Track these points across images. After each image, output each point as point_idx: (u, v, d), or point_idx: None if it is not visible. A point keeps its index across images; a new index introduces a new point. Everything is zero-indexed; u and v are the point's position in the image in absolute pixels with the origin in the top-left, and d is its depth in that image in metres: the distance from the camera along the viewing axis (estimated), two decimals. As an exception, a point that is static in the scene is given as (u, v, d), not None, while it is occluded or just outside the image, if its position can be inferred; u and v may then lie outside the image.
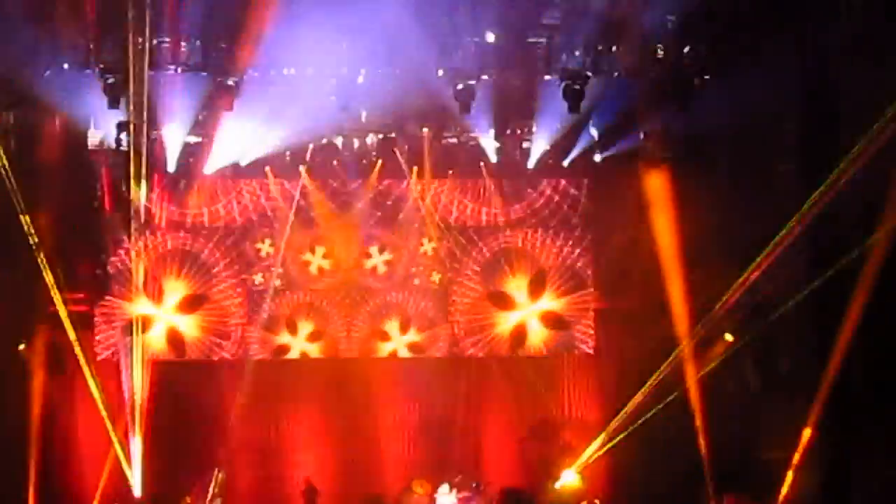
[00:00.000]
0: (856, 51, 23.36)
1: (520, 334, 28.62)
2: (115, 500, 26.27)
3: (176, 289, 28.11)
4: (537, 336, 28.57)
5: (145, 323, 27.67)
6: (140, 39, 24.36)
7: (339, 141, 27.90)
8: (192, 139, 27.42)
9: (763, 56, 25.06)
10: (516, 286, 28.64)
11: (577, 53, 25.60)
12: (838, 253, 23.43)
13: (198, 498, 25.87)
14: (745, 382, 26.59)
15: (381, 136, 27.99)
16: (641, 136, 27.00)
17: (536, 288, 28.73)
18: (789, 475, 24.73)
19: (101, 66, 24.77)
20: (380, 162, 28.15)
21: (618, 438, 26.84)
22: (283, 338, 28.28)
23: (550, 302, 28.71)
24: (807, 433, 24.46)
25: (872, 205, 22.53)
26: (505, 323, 28.61)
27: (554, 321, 28.66)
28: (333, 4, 24.17)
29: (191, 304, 28.30)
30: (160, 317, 27.94)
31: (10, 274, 25.44)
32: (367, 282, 28.50)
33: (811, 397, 24.13)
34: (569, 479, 27.19)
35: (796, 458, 24.67)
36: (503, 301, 28.73)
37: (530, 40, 25.76)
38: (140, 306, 27.67)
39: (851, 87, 23.89)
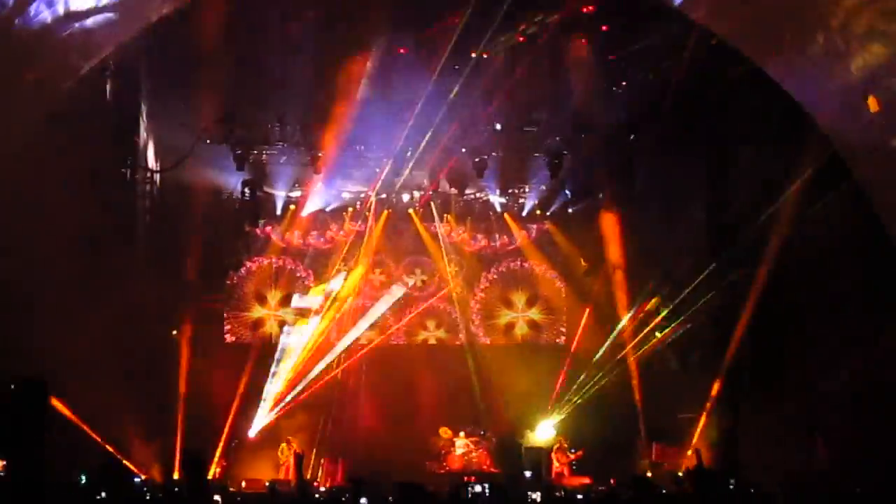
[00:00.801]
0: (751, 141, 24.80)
1: (513, 329, 30.51)
2: (236, 437, 27.75)
3: (276, 294, 29.77)
4: (523, 330, 30.50)
5: (259, 320, 29.76)
6: (259, 125, 27.15)
7: (392, 195, 29.81)
8: (293, 193, 29.23)
9: (681, 144, 26.13)
10: (515, 297, 30.50)
11: (557, 139, 27.79)
12: (733, 273, 25.10)
13: (293, 441, 27.01)
14: (669, 365, 27.51)
15: (421, 192, 29.93)
16: (601, 195, 28.64)
17: (529, 301, 30.47)
18: (698, 429, 25.82)
19: (232, 142, 26.79)
20: (421, 211, 30.01)
21: (578, 401, 28.19)
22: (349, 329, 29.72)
23: (536, 311, 30.51)
24: (710, 400, 25.75)
25: (758, 240, 24.00)
26: (504, 320, 30.52)
27: (536, 323, 30.52)
28: (391, 103, 26.62)
29: (282, 301, 29.81)
30: (269, 313, 29.71)
31: (169, 282, 26.26)
32: (409, 292, 30.22)
33: (714, 375, 25.51)
34: (546, 428, 28.50)
35: (703, 416, 25.79)
36: (506, 305, 30.53)
37: (525, 129, 27.93)
38: (255, 306, 29.71)
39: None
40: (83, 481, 19.43)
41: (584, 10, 25.06)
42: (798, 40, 21.53)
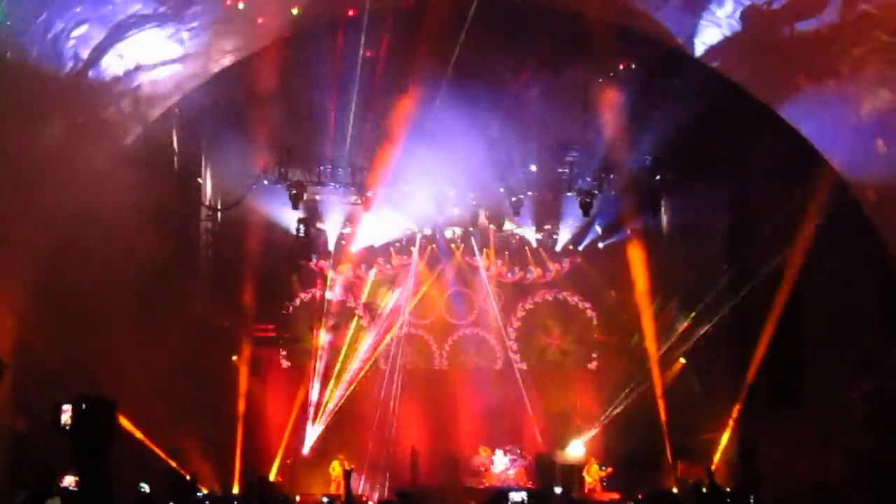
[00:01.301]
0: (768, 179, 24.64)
1: (547, 355, 30.59)
2: (290, 455, 27.99)
3: (327, 323, 29.67)
4: (556, 356, 30.59)
5: (311, 346, 29.57)
6: (311, 166, 27.28)
7: (435, 231, 30.00)
8: (344, 230, 29.42)
9: (703, 181, 26.06)
10: (549, 325, 30.64)
11: (588, 179, 27.82)
12: (750, 306, 24.96)
13: (343, 458, 27.04)
14: (691, 387, 27.37)
15: (462, 229, 30.11)
16: (628, 231, 28.43)
17: (562, 329, 30.53)
18: (719, 447, 25.63)
19: (288, 183, 26.94)
20: (462, 246, 30.22)
21: (607, 422, 28.46)
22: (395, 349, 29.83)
23: (569, 338, 30.59)
24: (730, 420, 25.47)
25: (777, 268, 24.03)
26: (539, 346, 30.57)
27: (568, 349, 30.55)
28: (434, 145, 26.63)
29: (333, 328, 29.89)
30: (321, 341, 29.57)
31: (229, 312, 26.92)
32: (451, 320, 30.46)
33: (734, 396, 25.20)
34: (577, 447, 28.68)
35: (724, 435, 25.56)
36: (541, 332, 30.66)
37: (559, 170, 27.95)
38: (308, 334, 29.76)
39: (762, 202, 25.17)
40: (145, 489, 19.68)
41: (615, 61, 25.24)
42: (812, 86, 21.52)
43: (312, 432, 28.62)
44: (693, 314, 26.82)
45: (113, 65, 20.77)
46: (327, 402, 28.97)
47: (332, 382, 29.25)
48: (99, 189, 20.94)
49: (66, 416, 10.08)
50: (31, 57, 18.13)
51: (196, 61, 23.31)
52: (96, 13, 19.01)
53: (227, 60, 24.02)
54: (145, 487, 20.96)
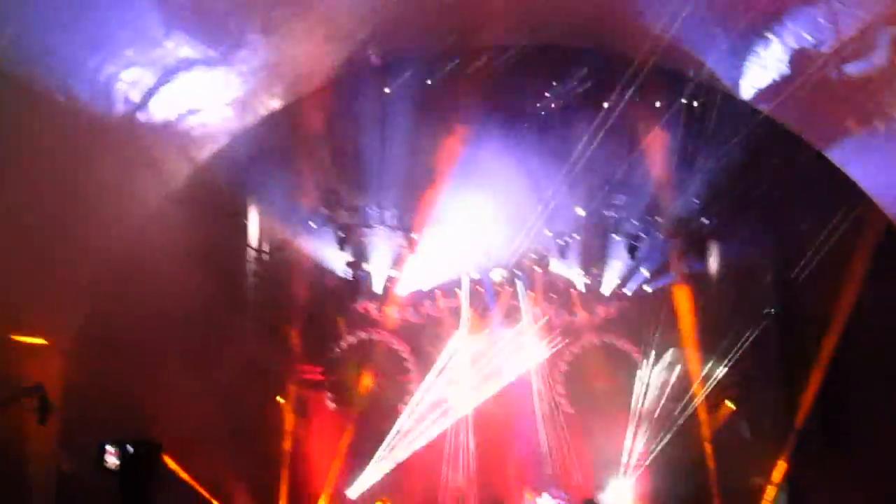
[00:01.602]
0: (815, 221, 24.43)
1: (593, 398, 29.32)
2: (336, 497, 27.79)
3: (374, 365, 29.30)
4: (603, 398, 29.19)
5: (358, 388, 29.16)
6: (358, 209, 27.30)
7: (482, 275, 29.59)
8: (391, 272, 29.12)
9: (752, 225, 26.33)
10: (595, 368, 29.90)
11: (634, 222, 27.70)
12: (799, 349, 25.12)
13: (387, 501, 27.26)
14: (740, 433, 26.97)
15: (508, 272, 29.58)
16: (675, 275, 28.24)
17: (609, 371, 29.51)
18: (768, 493, 25.52)
19: (335, 225, 27.14)
20: (508, 289, 29.69)
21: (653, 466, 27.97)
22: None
23: (615, 381, 29.43)
24: (780, 467, 25.41)
25: (822, 318, 24.34)
26: (585, 389, 29.60)
27: (615, 392, 29.16)
28: (480, 189, 26.58)
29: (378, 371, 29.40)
30: (365, 383, 29.18)
31: (275, 353, 26.68)
32: (498, 363, 29.39)
33: (783, 442, 25.22)
34: (622, 490, 28.21)
35: (773, 481, 25.44)
36: (587, 375, 29.77)
37: (605, 213, 27.83)
38: (354, 376, 29.31)
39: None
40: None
41: (663, 103, 25.22)
42: (860, 128, 21.43)
43: (357, 475, 28.39)
44: (741, 357, 26.47)
45: (162, 107, 21.06)
46: (373, 445, 28.63)
47: (377, 425, 28.91)
48: (147, 229, 21.25)
49: (111, 457, 10.11)
50: (82, 99, 18.40)
51: (245, 104, 23.64)
52: (146, 56, 19.33)
53: (275, 103, 24.31)
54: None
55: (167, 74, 20.18)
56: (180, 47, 19.87)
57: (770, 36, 21.91)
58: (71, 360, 21.92)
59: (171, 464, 20.79)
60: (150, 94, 20.21)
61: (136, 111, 20.37)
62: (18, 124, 16.87)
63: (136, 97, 19.96)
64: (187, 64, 20.42)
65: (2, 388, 19.40)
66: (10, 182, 17.33)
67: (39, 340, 21.00)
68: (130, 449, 11.21)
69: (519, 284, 29.83)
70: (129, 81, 19.36)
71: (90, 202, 19.93)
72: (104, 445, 9.17)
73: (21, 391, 19.18)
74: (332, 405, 29.48)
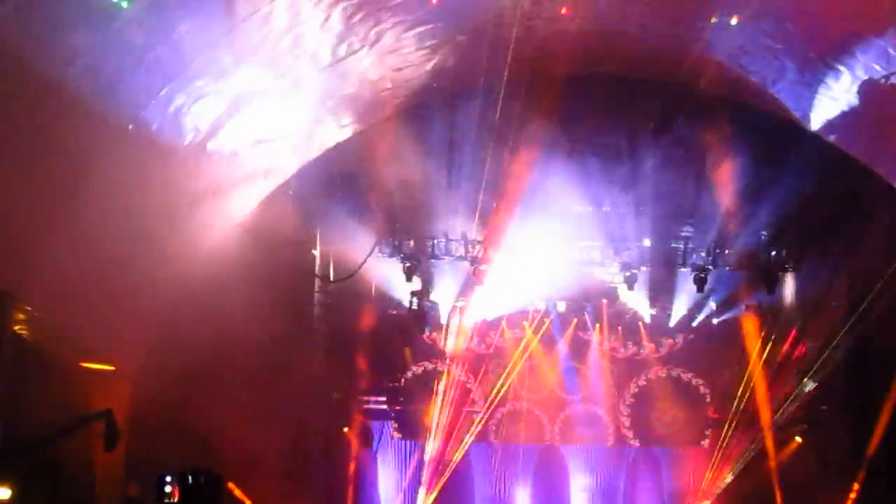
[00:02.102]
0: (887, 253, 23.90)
1: (660, 432, 29.38)
2: None
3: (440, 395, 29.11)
4: (670, 433, 29.26)
5: (423, 419, 29.24)
6: (425, 239, 27.33)
7: (549, 306, 29.38)
8: (458, 303, 29.01)
9: (822, 257, 26.22)
10: (662, 402, 29.54)
11: (702, 254, 27.26)
12: (870, 384, 24.70)
13: None
14: (809, 467, 26.44)
15: (575, 304, 29.34)
16: (744, 307, 28.03)
17: (676, 405, 29.25)
18: None
19: (402, 255, 26.94)
20: (575, 320, 29.48)
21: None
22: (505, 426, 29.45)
23: (682, 415, 29.30)
24: (849, 502, 24.79)
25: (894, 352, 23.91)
26: (652, 424, 29.48)
27: (682, 426, 29.26)
28: (547, 220, 26.72)
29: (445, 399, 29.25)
30: (431, 414, 29.11)
31: (341, 383, 27.35)
32: (563, 395, 29.59)
33: (852, 478, 24.69)
34: None
35: None
36: (654, 409, 29.51)
37: (672, 245, 27.50)
38: (420, 407, 29.31)
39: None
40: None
41: (730, 134, 25.06)
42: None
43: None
44: (810, 391, 26.28)
45: (232, 137, 21.25)
46: (439, 476, 28.67)
47: (443, 456, 28.91)
48: (214, 258, 21.36)
49: (170, 488, 10.15)
50: (151, 128, 18.58)
51: (313, 133, 23.75)
52: (216, 87, 19.50)
53: (343, 133, 24.42)
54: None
55: (236, 104, 20.35)
56: (250, 77, 20.05)
57: (840, 67, 21.74)
58: (138, 387, 22.13)
59: (236, 492, 20.85)
60: (219, 124, 20.38)
61: (206, 141, 20.56)
62: (88, 153, 17.05)
63: (205, 127, 20.14)
64: (257, 94, 20.59)
65: (70, 413, 19.68)
66: (80, 211, 17.50)
67: (107, 367, 21.23)
68: (191, 480, 11.18)
69: (586, 316, 29.68)
70: (198, 111, 19.53)
71: (158, 231, 20.12)
72: (164, 477, 9.16)
73: (89, 417, 19.37)
74: (397, 435, 29.55)
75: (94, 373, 21.22)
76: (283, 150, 23.66)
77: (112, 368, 21.36)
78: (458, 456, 29.04)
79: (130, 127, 17.99)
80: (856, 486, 24.83)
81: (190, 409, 20.90)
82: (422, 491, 28.49)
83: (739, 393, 28.36)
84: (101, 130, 16.95)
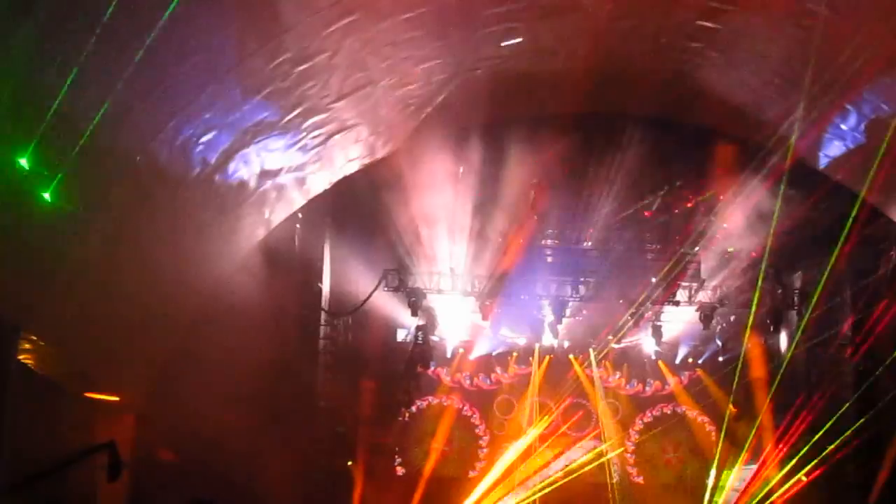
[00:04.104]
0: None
1: (665, 469, 29.70)
2: None
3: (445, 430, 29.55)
4: (675, 470, 29.65)
5: (427, 454, 29.44)
6: (431, 274, 27.28)
7: (553, 342, 29.52)
8: (462, 338, 29.37)
9: (829, 296, 25.62)
10: (668, 439, 30.00)
11: (708, 292, 27.40)
12: (877, 427, 24.81)
13: None
14: None
15: (581, 341, 29.60)
16: (749, 346, 27.18)
17: (681, 443, 29.82)
18: None
19: (407, 290, 26.97)
20: (580, 357, 29.73)
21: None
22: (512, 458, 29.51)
23: (687, 453, 29.77)
24: None
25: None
26: (656, 461, 29.84)
27: (687, 464, 29.64)
28: (553, 257, 26.79)
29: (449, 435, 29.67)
30: (435, 449, 29.46)
31: (345, 417, 27.26)
32: (569, 433, 29.72)
33: None
34: None
35: None
36: (659, 446, 29.88)
37: (680, 283, 27.09)
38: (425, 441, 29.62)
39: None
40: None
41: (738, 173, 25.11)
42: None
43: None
44: (818, 434, 25.67)
45: (239, 170, 21.30)
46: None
47: (447, 490, 28.91)
48: (221, 291, 21.38)
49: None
50: (160, 161, 18.63)
51: (321, 167, 23.84)
52: (224, 120, 19.54)
53: (351, 167, 24.50)
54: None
55: (244, 137, 20.39)
56: (258, 111, 20.12)
57: (848, 106, 21.79)
58: (143, 419, 22.12)
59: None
60: (226, 156, 20.41)
61: (214, 173, 20.58)
62: (96, 185, 17.09)
63: (213, 159, 20.16)
64: (264, 127, 20.65)
65: (74, 445, 19.62)
66: (88, 243, 17.55)
67: (111, 398, 21.22)
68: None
69: (591, 353, 29.70)
70: (206, 143, 19.55)
71: (166, 262, 20.15)
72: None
73: (92, 448, 19.30)
74: (401, 470, 29.51)
75: (99, 403, 21.21)
76: (291, 182, 23.69)
77: (117, 399, 21.34)
78: (462, 491, 28.94)
79: (139, 158, 18.01)
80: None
81: (195, 441, 20.89)
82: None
83: (745, 431, 28.14)
84: (109, 161, 16.96)
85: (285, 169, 22.81)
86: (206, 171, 20.32)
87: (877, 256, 24.23)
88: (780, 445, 26.79)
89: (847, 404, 25.39)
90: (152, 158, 18.47)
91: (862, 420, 24.82)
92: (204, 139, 19.50)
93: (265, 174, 22.39)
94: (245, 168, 21.45)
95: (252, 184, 22.11)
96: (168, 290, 20.54)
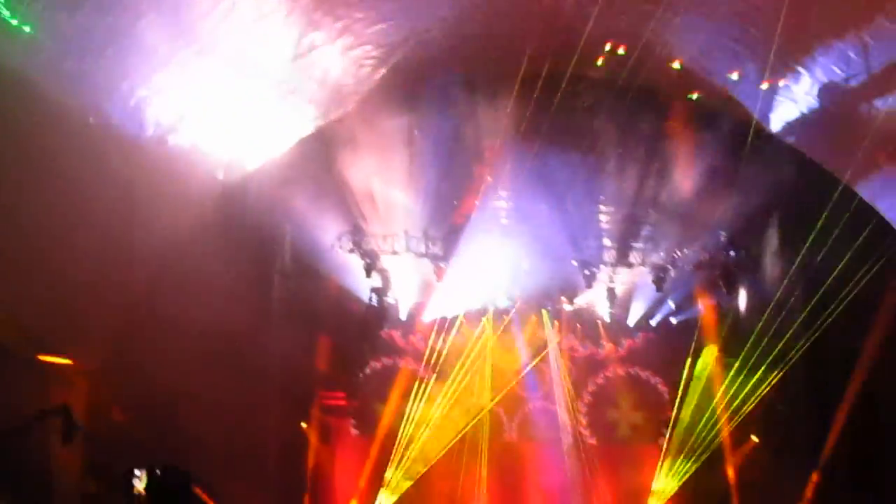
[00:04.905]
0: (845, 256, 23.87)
1: (618, 430, 29.67)
2: None
3: (398, 392, 28.99)
4: (627, 431, 29.65)
5: (381, 415, 28.95)
6: (385, 236, 27.18)
7: (507, 303, 29.32)
8: (417, 300, 29.03)
9: (781, 259, 26.40)
10: (620, 400, 29.90)
11: (661, 255, 27.43)
12: (827, 386, 24.91)
13: None
14: (765, 468, 26.39)
15: (535, 302, 29.40)
16: (702, 307, 27.95)
17: (633, 404, 29.77)
18: None
19: (362, 251, 26.74)
20: (534, 318, 29.62)
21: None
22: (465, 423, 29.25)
23: (640, 413, 29.78)
24: (805, 499, 24.88)
25: (851, 355, 24.05)
26: (609, 421, 29.78)
27: (639, 424, 29.75)
28: (508, 219, 26.74)
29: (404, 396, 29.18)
30: (389, 410, 28.91)
31: (299, 379, 26.78)
32: (522, 393, 29.64)
33: (808, 480, 24.92)
34: None
35: None
36: (612, 407, 29.85)
37: (633, 244, 27.60)
38: (378, 403, 29.05)
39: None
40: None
41: (692, 136, 25.16)
42: (889, 163, 21.36)
43: (380, 502, 28.32)
44: (768, 392, 26.30)
45: (193, 131, 21.09)
46: (396, 473, 28.59)
47: (400, 453, 28.81)
48: (175, 254, 21.24)
49: (139, 483, 10.09)
50: (113, 122, 18.45)
51: (276, 128, 23.65)
52: (177, 81, 19.36)
53: (305, 129, 24.34)
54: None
55: (199, 98, 20.24)
56: (213, 71, 19.96)
57: (800, 69, 21.89)
58: (98, 384, 21.97)
59: (198, 491, 20.72)
60: (180, 118, 20.28)
61: (167, 135, 20.44)
62: (46, 145, 16.95)
63: (166, 121, 20.03)
64: (220, 88, 20.50)
65: (27, 408, 19.48)
66: (39, 204, 17.39)
67: (65, 361, 21.04)
68: (160, 476, 11.15)
69: (545, 314, 29.73)
70: (160, 105, 19.42)
71: (119, 226, 19.99)
72: (133, 471, 9.04)
73: (46, 412, 19.21)
74: (355, 431, 29.42)
75: (52, 367, 21.03)
76: (245, 143, 23.52)
77: (70, 362, 21.17)
78: (416, 453, 28.87)
79: (91, 120, 17.84)
80: (812, 485, 25.00)
81: (151, 406, 20.83)
82: (380, 488, 28.40)
83: (697, 392, 28.63)
84: (62, 124, 16.79)
85: (241, 130, 22.65)
86: (160, 132, 20.18)
87: (829, 217, 24.26)
88: (731, 406, 27.13)
89: (793, 360, 25.62)
90: (105, 120, 18.30)
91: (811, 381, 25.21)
92: (158, 100, 19.34)
93: (218, 136, 22.22)
94: (199, 130, 21.29)
95: (206, 146, 21.94)
96: (122, 253, 20.39)
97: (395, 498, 28.41)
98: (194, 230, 22.23)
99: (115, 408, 21.47)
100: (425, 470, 28.77)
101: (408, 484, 28.53)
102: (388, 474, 28.46)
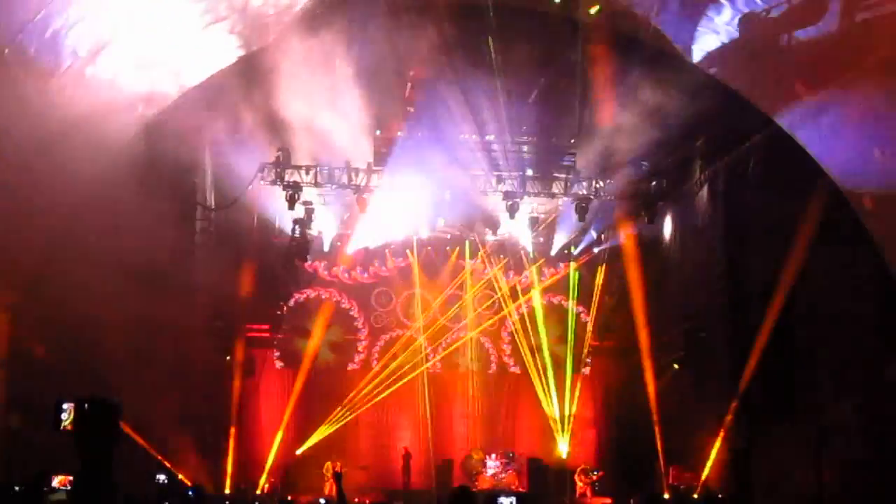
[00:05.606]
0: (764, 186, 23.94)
1: (541, 359, 29.88)
2: (284, 455, 27.90)
3: (322, 324, 29.40)
4: (550, 360, 29.82)
5: (305, 347, 29.27)
6: (307, 167, 26.63)
7: (430, 234, 29.93)
8: (340, 231, 29.38)
9: (702, 189, 26.62)
10: (544, 330, 30.12)
11: (584, 185, 27.33)
12: (746, 314, 24.72)
13: (335, 461, 26.90)
14: (685, 394, 26.68)
15: (458, 233, 30.09)
16: (624, 237, 28.18)
17: (557, 333, 30.43)
18: (711, 454, 25.28)
19: (284, 183, 26.20)
20: (457, 249, 30.35)
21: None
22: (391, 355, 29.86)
23: (563, 343, 30.36)
24: (723, 429, 25.01)
25: (769, 283, 24.36)
26: (533, 350, 30.02)
27: (563, 354, 30.22)
28: (431, 149, 26.66)
29: (326, 329, 29.61)
30: (313, 342, 29.30)
31: (223, 312, 26.69)
32: (446, 324, 30.28)
33: (727, 405, 24.77)
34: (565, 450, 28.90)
35: (716, 443, 25.13)
36: (535, 337, 30.06)
37: (555, 175, 27.48)
38: (302, 335, 29.60)
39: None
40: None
41: (613, 66, 25.13)
42: (809, 94, 21.47)
43: (306, 434, 28.65)
44: (688, 319, 26.83)
45: (111, 62, 20.69)
46: (322, 405, 28.94)
47: (326, 384, 29.27)
48: (96, 186, 20.93)
49: (67, 415, 9.98)
50: (29, 53, 18.08)
51: (196, 59, 23.30)
52: (95, 10, 18.94)
53: (226, 60, 23.98)
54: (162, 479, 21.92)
55: (116, 28, 19.80)
56: (130, 1, 19.54)
57: (722, 0, 21.89)
58: (18, 317, 21.70)
59: (124, 425, 20.66)
60: (98, 48, 19.84)
61: (85, 66, 20.02)
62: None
63: (84, 51, 19.60)
64: (137, 17, 20.07)
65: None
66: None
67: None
68: (88, 408, 11.10)
69: (468, 245, 30.14)
70: (77, 35, 18.99)
71: (35, 160, 19.62)
72: (61, 403, 8.97)
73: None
74: (279, 363, 29.74)
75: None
76: (165, 75, 23.10)
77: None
78: (341, 385, 29.36)
79: (6, 51, 17.46)
80: (730, 414, 25.16)
81: (73, 340, 20.63)
82: (307, 420, 28.76)
83: (619, 320, 29.28)
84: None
85: (159, 61, 22.26)
86: (77, 63, 19.76)
87: (749, 148, 24.50)
88: (653, 334, 27.62)
89: (714, 288, 25.98)
90: (20, 51, 17.93)
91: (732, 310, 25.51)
92: (74, 31, 18.90)
93: (138, 67, 21.81)
94: (117, 60, 20.87)
95: (125, 77, 21.54)
96: (40, 186, 20.02)
97: (321, 430, 28.68)
98: (115, 162, 21.79)
99: (37, 346, 21.19)
100: (348, 401, 29.05)
101: (334, 415, 28.78)
102: (313, 406, 28.87)
